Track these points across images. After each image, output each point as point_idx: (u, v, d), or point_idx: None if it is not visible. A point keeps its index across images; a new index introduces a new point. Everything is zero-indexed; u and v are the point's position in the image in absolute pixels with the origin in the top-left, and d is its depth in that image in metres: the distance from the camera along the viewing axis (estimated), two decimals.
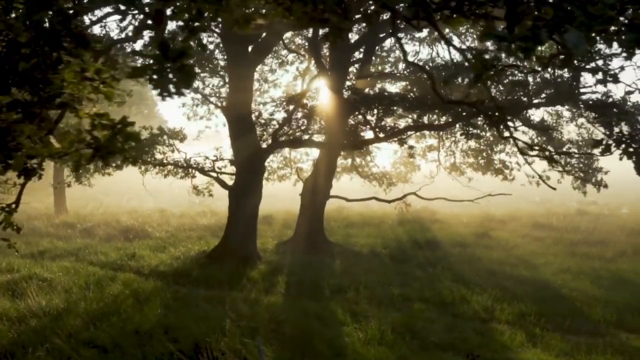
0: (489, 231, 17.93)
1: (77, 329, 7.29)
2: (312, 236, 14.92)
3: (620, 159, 3.43)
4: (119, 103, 16.03)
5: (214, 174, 13.29)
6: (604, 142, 3.39)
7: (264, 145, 13.25)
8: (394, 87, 11.67)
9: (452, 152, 19.70)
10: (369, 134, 13.02)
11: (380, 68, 15.65)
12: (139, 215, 20.35)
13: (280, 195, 25.89)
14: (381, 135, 11.30)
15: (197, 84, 15.13)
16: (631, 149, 3.22)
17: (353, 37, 15.81)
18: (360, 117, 12.96)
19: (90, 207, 23.29)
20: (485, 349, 7.09)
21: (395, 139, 11.64)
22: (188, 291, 10.03)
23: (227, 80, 13.61)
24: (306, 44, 17.59)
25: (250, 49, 12.27)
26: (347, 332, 7.46)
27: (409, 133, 12.09)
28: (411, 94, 11.10)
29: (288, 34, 17.95)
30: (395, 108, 10.95)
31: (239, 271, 11.67)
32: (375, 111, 11.29)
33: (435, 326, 7.91)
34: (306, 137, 12.57)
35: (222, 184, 13.42)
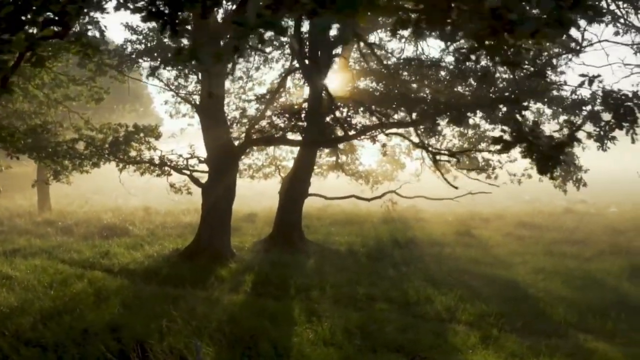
0: (471, 230, 17.81)
1: (24, 328, 7.22)
2: (289, 234, 14.83)
3: (523, 157, 3.33)
4: (96, 100, 16.13)
5: (188, 172, 13.20)
6: (504, 138, 3.28)
7: (237, 143, 13.16)
8: (363, 84, 11.55)
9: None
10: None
11: (357, 66, 15.51)
12: (123, 213, 20.32)
13: (268, 193, 25.81)
14: (352, 132, 11.19)
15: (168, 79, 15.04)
16: (535, 147, 3.12)
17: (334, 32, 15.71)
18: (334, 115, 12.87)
19: (75, 205, 23.27)
20: (436, 351, 6.99)
21: (367, 137, 11.53)
22: (152, 290, 9.95)
23: (199, 78, 13.50)
24: (288, 40, 17.50)
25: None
26: (298, 332, 7.37)
27: (381, 130, 11.97)
28: (377, 92, 11.01)
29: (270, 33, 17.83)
30: (363, 107, 10.85)
31: (208, 269, 11.60)
32: (345, 109, 11.19)
33: (391, 327, 7.80)
34: (279, 135, 12.43)
35: (196, 182, 13.35)
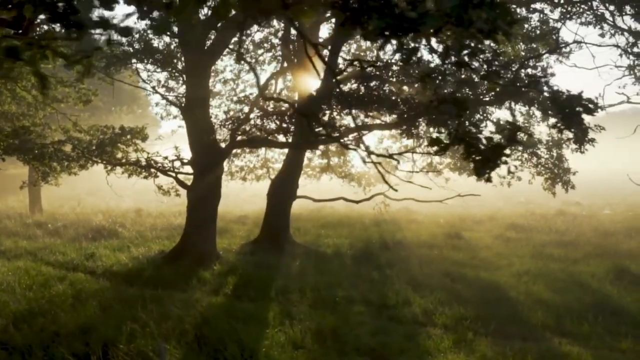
0: (461, 232, 17.73)
1: None
2: (276, 236, 14.81)
3: (465, 158, 3.29)
4: (85, 102, 16.15)
5: (173, 174, 13.18)
6: (443, 139, 3.24)
7: (223, 145, 13.14)
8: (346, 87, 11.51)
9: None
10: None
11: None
12: (114, 215, 20.32)
13: (263, 194, 25.82)
14: (335, 134, 11.16)
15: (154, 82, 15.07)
16: (474, 149, 3.07)
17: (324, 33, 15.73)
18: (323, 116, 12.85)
19: (67, 206, 23.30)
20: (406, 355, 6.94)
21: (351, 139, 11.50)
22: (131, 292, 9.92)
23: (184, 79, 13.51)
24: (279, 42, 17.53)
25: (206, 46, 12.18)
26: (269, 335, 7.33)
27: (365, 132, 11.94)
28: (357, 93, 10.97)
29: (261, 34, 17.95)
30: (346, 109, 10.82)
31: (191, 271, 11.57)
32: (328, 110, 11.16)
33: (364, 330, 7.76)
34: (264, 136, 12.41)
35: (181, 183, 13.34)
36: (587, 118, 10.19)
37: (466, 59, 4.43)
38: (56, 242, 15.01)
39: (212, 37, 12.00)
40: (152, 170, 13.88)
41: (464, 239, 16.83)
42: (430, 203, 18.08)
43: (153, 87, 13.76)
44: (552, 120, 14.89)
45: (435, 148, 3.29)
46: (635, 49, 11.56)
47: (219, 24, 10.51)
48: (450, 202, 18.33)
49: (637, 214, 20.80)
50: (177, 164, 12.80)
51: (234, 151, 18.79)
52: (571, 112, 4.02)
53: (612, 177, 39.56)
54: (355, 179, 21.43)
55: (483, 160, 3.19)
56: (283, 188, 15.23)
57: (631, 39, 11.31)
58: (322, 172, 21.54)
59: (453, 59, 4.34)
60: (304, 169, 22.07)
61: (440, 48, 4.40)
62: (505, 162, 3.34)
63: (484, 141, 3.20)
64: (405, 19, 2.07)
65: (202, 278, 11.21)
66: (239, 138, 12.72)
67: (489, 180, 3.34)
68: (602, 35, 11.72)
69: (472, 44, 4.24)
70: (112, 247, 14.34)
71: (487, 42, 4.14)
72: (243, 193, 31.54)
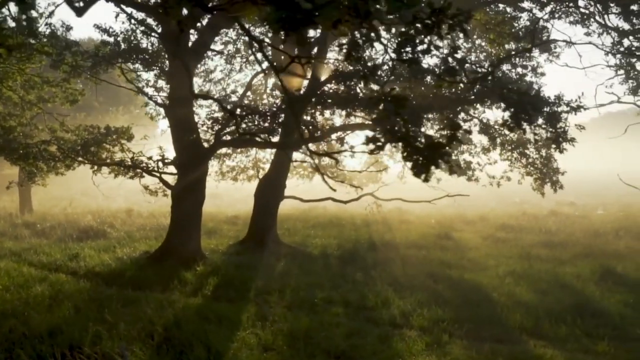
0: (452, 232, 17.63)
1: None
2: (262, 237, 14.73)
3: (404, 158, 3.19)
4: (71, 102, 16.09)
5: (157, 174, 13.11)
6: (377, 138, 3.15)
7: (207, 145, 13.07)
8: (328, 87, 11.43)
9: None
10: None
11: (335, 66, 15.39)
12: (104, 215, 20.26)
13: None
14: (317, 134, 11.06)
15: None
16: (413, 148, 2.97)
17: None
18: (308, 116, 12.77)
19: (59, 207, 23.26)
20: (377, 357, 6.84)
21: (334, 139, 11.40)
22: (109, 293, 9.84)
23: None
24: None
25: (190, 45, 12.11)
26: (240, 337, 7.24)
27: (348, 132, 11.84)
28: (337, 92, 10.87)
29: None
30: (328, 108, 10.73)
31: (173, 272, 11.49)
32: (312, 111, 11.06)
33: (338, 332, 7.66)
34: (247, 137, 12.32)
35: (166, 183, 13.27)
36: (567, 118, 10.12)
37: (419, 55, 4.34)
38: (42, 243, 14.96)
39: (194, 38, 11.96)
40: (138, 170, 13.81)
41: (454, 239, 16.73)
42: (424, 203, 18.03)
43: (137, 87, 13.67)
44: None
45: (370, 146, 3.20)
46: (622, 48, 11.44)
47: (197, 24, 10.44)
48: (443, 202, 18.24)
49: (628, 214, 20.67)
50: (161, 164, 12.72)
51: (226, 151, 18.75)
52: (520, 109, 3.91)
53: (609, 178, 39.37)
54: (346, 179, 21.35)
55: (422, 159, 3.10)
56: (270, 188, 15.16)
57: (617, 38, 11.19)
58: (314, 172, 21.46)
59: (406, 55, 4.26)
60: (297, 169, 22.03)
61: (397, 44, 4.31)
62: (448, 162, 3.24)
63: (423, 140, 3.11)
64: (300, 10, 1.99)
65: (183, 279, 11.13)
66: (224, 138, 12.63)
67: (426, 180, 3.25)
68: (588, 34, 11.61)
69: (423, 39, 4.15)
70: (97, 248, 14.28)
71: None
72: (237, 193, 31.50)
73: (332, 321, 8.26)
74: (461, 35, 16.30)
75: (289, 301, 9.51)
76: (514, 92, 5.24)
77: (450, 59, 6.74)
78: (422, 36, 4.03)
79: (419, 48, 4.22)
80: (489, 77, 6.10)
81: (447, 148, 3.11)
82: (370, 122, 11.35)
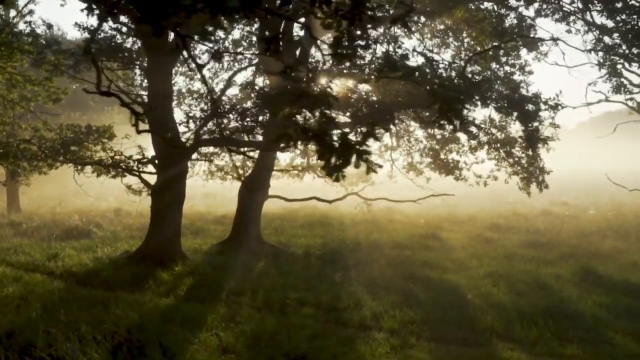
0: (439, 232, 17.47)
1: None
2: (245, 236, 14.62)
3: (319, 157, 3.07)
4: (54, 101, 16.00)
5: (137, 173, 13.02)
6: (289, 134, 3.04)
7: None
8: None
9: (408, 152, 19.33)
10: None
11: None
12: (92, 214, 20.19)
13: None
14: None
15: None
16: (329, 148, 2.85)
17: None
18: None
19: (48, 206, 23.21)
20: None
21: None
22: (82, 293, 9.75)
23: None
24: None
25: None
26: (201, 339, 7.13)
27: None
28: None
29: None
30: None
31: (150, 272, 11.39)
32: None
33: (303, 334, 7.54)
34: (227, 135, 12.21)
35: (146, 183, 13.18)
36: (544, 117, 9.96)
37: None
38: (23, 243, 14.86)
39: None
40: (119, 169, 13.73)
41: (441, 239, 16.57)
42: (415, 203, 17.90)
43: (108, 87, 13.52)
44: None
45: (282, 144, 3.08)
46: (604, 46, 11.27)
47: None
48: (435, 202, 18.10)
49: (618, 213, 20.49)
50: (139, 163, 12.63)
51: (213, 150, 18.63)
52: (446, 105, 3.81)
53: (604, 177, 39.08)
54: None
55: (336, 158, 2.98)
56: (254, 187, 15.03)
57: (597, 34, 11.02)
58: (304, 171, 21.34)
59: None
60: (287, 168, 21.89)
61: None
62: (366, 160, 3.12)
63: (336, 138, 2.98)
64: None
65: (159, 279, 11.03)
66: (204, 136, 12.52)
67: (337, 180, 3.13)
68: (569, 32, 11.44)
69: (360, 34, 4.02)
70: (79, 248, 14.18)
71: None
72: (231, 193, 31.37)
73: (300, 323, 8.14)
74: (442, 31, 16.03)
75: (261, 302, 9.37)
76: (443, 86, 5.12)
77: (392, 53, 6.60)
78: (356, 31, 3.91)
79: (357, 43, 4.10)
80: (417, 72, 5.92)
81: (363, 147, 2.99)
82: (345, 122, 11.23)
